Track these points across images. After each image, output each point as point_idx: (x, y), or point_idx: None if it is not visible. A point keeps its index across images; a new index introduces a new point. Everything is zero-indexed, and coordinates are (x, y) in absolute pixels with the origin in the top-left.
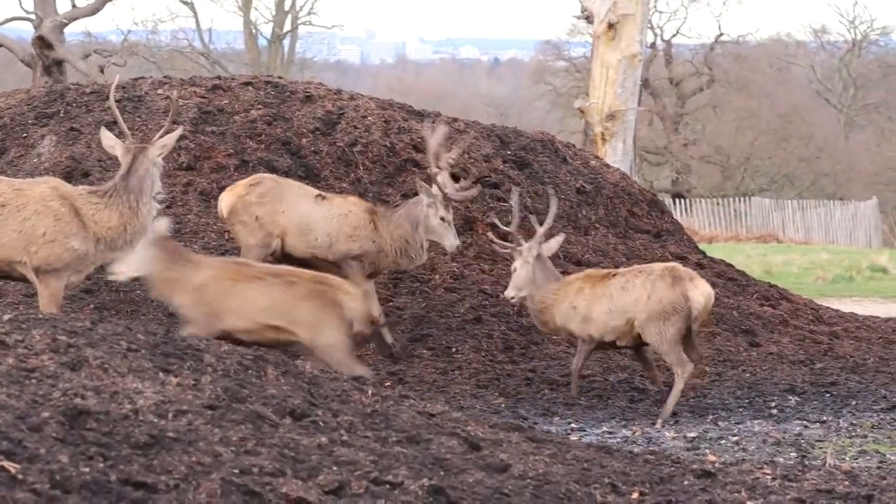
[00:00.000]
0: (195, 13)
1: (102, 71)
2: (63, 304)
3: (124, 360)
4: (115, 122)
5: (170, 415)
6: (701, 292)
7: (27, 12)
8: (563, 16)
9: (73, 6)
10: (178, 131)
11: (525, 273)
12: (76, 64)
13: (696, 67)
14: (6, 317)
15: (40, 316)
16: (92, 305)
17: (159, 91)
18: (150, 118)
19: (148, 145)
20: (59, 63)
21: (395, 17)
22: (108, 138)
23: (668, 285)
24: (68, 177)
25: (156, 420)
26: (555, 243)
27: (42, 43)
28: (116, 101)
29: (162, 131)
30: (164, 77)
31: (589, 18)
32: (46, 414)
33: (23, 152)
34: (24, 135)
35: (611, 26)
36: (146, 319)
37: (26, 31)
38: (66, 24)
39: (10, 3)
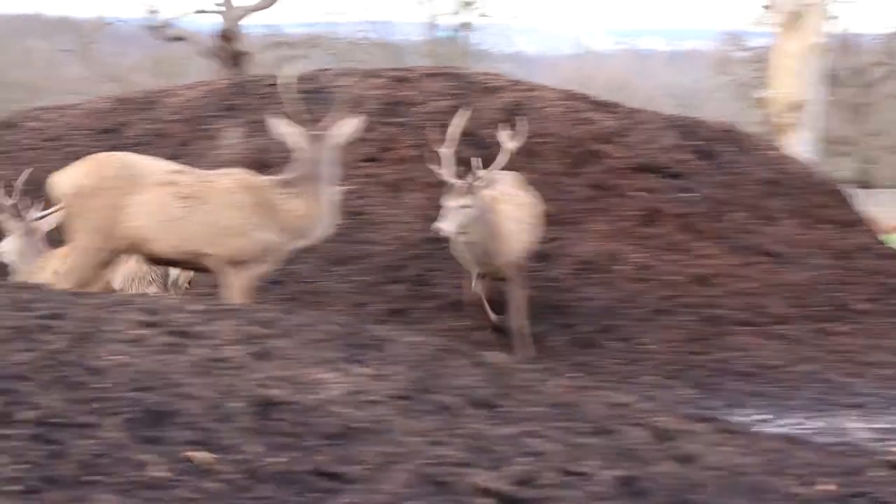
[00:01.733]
0: (375, 5)
1: (285, 63)
2: (252, 295)
3: (313, 350)
4: (293, 112)
5: (359, 405)
6: None
7: (212, 4)
8: (745, 6)
9: (260, 2)
10: (358, 120)
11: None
12: (258, 56)
13: (879, 56)
14: (196, 307)
15: (229, 307)
16: (280, 296)
17: (340, 82)
18: (330, 109)
19: (327, 133)
20: (241, 55)
21: (572, 6)
22: (283, 126)
23: None
24: (253, 167)
25: (345, 410)
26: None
27: (225, 35)
28: (299, 92)
29: (334, 116)
30: (346, 68)
31: (771, 8)
32: (236, 404)
33: (206, 144)
34: (207, 127)
35: (793, 16)
36: (333, 310)
37: (207, 23)
38: (249, 16)
39: None
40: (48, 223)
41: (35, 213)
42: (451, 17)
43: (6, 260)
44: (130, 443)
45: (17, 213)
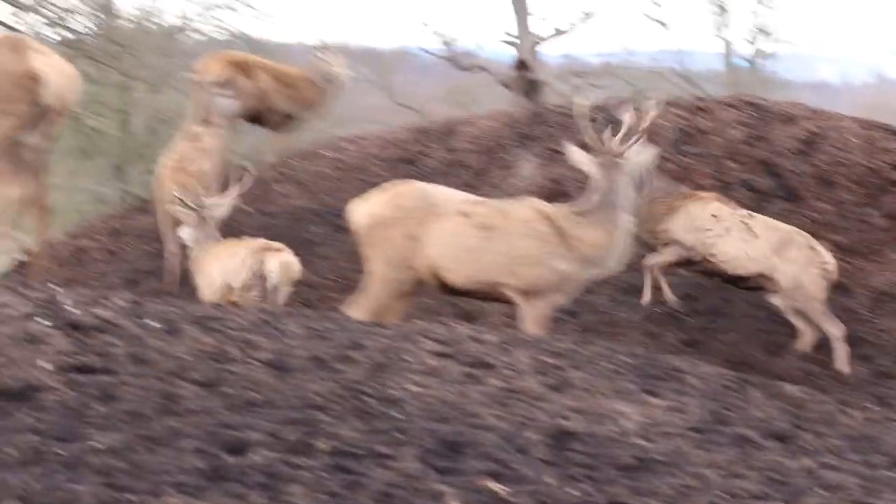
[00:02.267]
0: (670, 35)
1: (580, 92)
2: (547, 326)
3: (608, 381)
4: (588, 141)
5: (655, 437)
6: None
7: (507, 35)
8: None
9: (553, 29)
10: (651, 148)
11: None
12: (554, 85)
13: None
14: (491, 338)
15: (525, 337)
16: (575, 326)
17: (638, 112)
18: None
19: (621, 159)
20: (537, 85)
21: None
22: (577, 154)
23: None
24: (549, 197)
25: (641, 442)
26: None
27: (521, 65)
28: (593, 121)
29: (629, 143)
30: (644, 98)
31: None
32: (531, 435)
33: (503, 174)
34: (505, 156)
35: None
36: (628, 341)
37: (503, 53)
38: (545, 46)
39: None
40: (221, 211)
41: (210, 202)
42: (749, 45)
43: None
44: (426, 473)
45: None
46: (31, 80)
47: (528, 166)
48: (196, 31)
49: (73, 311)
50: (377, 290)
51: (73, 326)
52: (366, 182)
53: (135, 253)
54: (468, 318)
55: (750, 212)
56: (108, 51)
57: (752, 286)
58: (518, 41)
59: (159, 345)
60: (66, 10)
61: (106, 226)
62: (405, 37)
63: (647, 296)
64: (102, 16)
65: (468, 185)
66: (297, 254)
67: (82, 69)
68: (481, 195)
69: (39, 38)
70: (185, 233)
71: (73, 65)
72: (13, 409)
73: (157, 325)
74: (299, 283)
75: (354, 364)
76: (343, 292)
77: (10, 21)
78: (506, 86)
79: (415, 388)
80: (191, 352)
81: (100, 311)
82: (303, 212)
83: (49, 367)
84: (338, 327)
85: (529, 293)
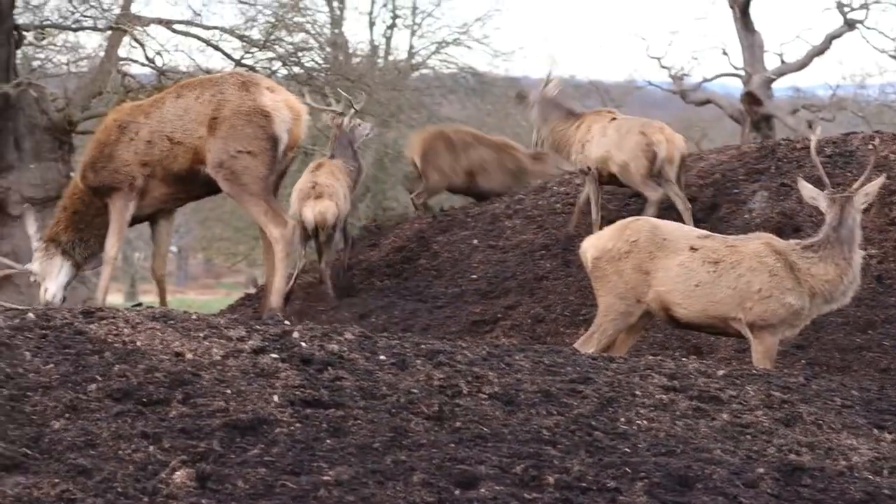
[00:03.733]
0: None
1: (811, 126)
2: (776, 360)
3: (838, 416)
4: (820, 176)
5: (884, 472)
6: None
7: (736, 68)
8: None
9: (782, 62)
10: (880, 180)
11: None
12: (784, 119)
13: None
14: (720, 372)
15: (754, 371)
16: (804, 360)
17: (869, 146)
18: (860, 173)
19: (852, 194)
20: (767, 119)
21: None
22: (808, 189)
23: None
24: (779, 232)
25: (870, 477)
26: None
27: (751, 99)
28: (826, 156)
29: (861, 179)
30: (875, 132)
31: None
32: (761, 469)
33: (734, 208)
34: (735, 191)
35: None
36: (858, 375)
37: (734, 87)
38: (774, 80)
39: (720, 60)
40: None
41: None
42: None
43: None
44: None
45: None
46: (262, 117)
47: (759, 201)
48: (425, 66)
49: (304, 345)
50: (607, 323)
51: (304, 361)
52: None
53: (364, 287)
54: (697, 352)
55: None
56: (338, 86)
57: None
58: (747, 74)
59: (389, 379)
60: (298, 47)
61: (336, 260)
62: (633, 69)
63: None
64: (333, 51)
65: (698, 219)
66: (527, 289)
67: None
68: (711, 229)
69: (270, 74)
70: None
71: (302, 100)
72: (244, 443)
73: (387, 360)
74: (529, 316)
75: (583, 398)
76: (572, 327)
77: (241, 56)
78: (735, 120)
79: (644, 423)
80: (420, 386)
81: (330, 346)
82: (533, 246)
83: (280, 401)
84: (567, 361)
85: (759, 327)
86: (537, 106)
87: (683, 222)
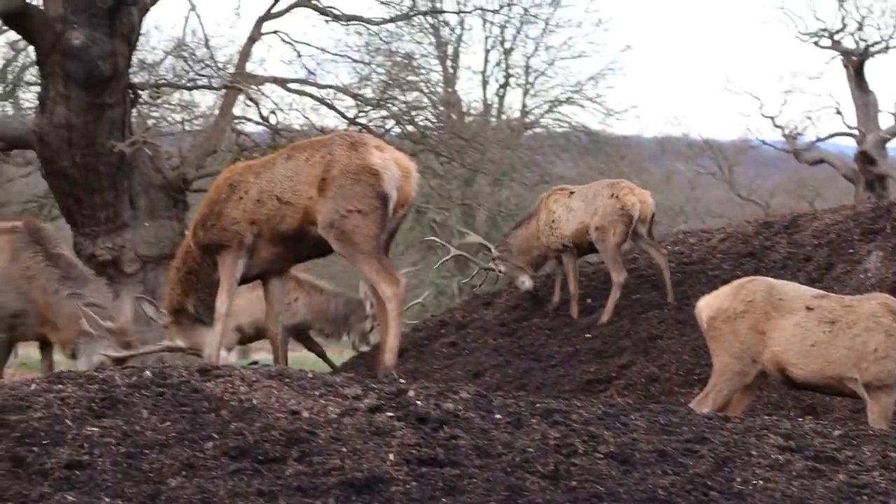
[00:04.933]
0: None
1: None
2: (892, 420)
3: None
4: None
5: None
6: None
7: (850, 127)
8: None
9: None
10: None
11: None
12: None
13: None
14: (836, 432)
15: (870, 432)
16: None
17: None
18: None
19: None
20: (881, 178)
21: None
22: None
23: None
24: (895, 292)
25: None
26: None
27: (865, 158)
28: None
29: None
30: None
31: None
32: None
33: (849, 268)
34: (850, 251)
35: None
36: None
37: (848, 146)
38: (889, 140)
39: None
40: None
41: None
42: None
43: None
44: None
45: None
46: (371, 175)
47: (873, 260)
48: (538, 124)
49: (420, 403)
50: (722, 383)
51: (420, 419)
52: (708, 276)
53: (478, 346)
54: (812, 411)
55: None
56: (451, 145)
57: None
58: (861, 134)
59: (504, 438)
60: (411, 105)
61: (449, 318)
62: (747, 128)
63: None
64: (446, 110)
65: (812, 279)
66: (641, 348)
67: (427, 164)
68: (826, 290)
69: (383, 132)
70: None
71: (414, 159)
72: (360, 501)
73: (503, 418)
74: (643, 375)
75: (699, 458)
76: (686, 386)
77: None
78: (849, 179)
79: (760, 483)
80: (536, 445)
81: (446, 405)
82: (645, 305)
83: (395, 459)
84: (682, 421)
85: (875, 387)
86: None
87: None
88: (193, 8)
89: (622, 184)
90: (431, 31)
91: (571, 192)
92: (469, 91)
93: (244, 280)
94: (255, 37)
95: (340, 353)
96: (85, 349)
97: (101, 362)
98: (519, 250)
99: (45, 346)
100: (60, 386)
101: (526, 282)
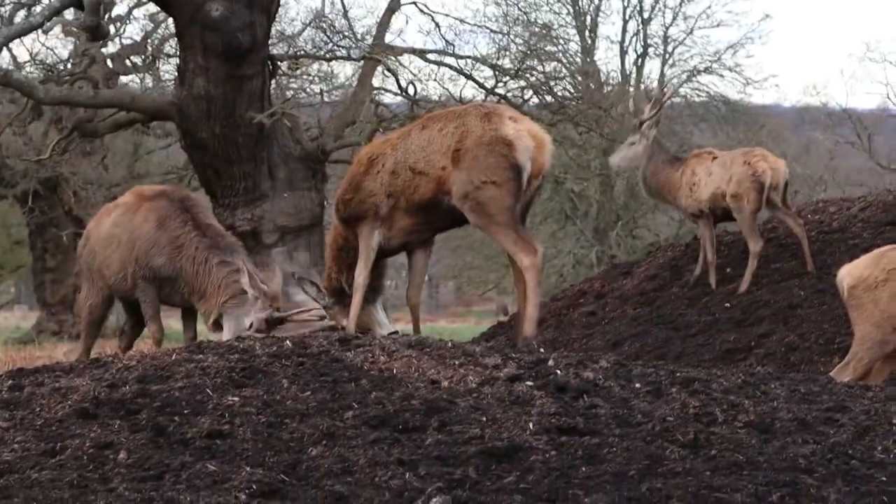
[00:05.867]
0: None
1: None
2: None
3: None
4: None
5: None
6: None
7: None
8: None
9: None
10: None
11: None
12: None
13: None
14: None
15: None
16: None
17: None
18: None
19: None
20: None
21: None
22: None
23: None
24: None
25: None
26: None
27: None
28: None
29: None
30: None
31: None
32: None
33: None
34: None
35: None
36: None
37: None
38: None
39: None
40: None
41: None
42: None
43: None
44: None
45: None
46: (505, 146)
47: None
48: (676, 94)
49: (559, 373)
50: (863, 352)
51: (559, 388)
52: (848, 244)
53: (617, 315)
54: None
55: None
56: (590, 115)
57: None
58: None
59: (644, 406)
60: (549, 76)
61: (588, 288)
62: (886, 97)
63: None
64: (584, 80)
65: None
66: (781, 317)
67: (565, 134)
68: None
69: (522, 103)
70: None
71: (552, 130)
72: (500, 470)
73: (642, 387)
74: (783, 344)
75: (839, 427)
76: (826, 355)
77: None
78: None
79: None
80: (675, 413)
81: (585, 374)
82: (785, 274)
83: (535, 428)
84: (823, 390)
85: None
86: (644, 143)
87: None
88: None
89: (756, 151)
90: (569, 0)
91: (714, 157)
92: (607, 61)
93: (387, 252)
94: (393, 7)
95: (478, 323)
96: (233, 313)
97: (251, 325)
98: (655, 183)
99: (188, 317)
100: (201, 356)
101: None
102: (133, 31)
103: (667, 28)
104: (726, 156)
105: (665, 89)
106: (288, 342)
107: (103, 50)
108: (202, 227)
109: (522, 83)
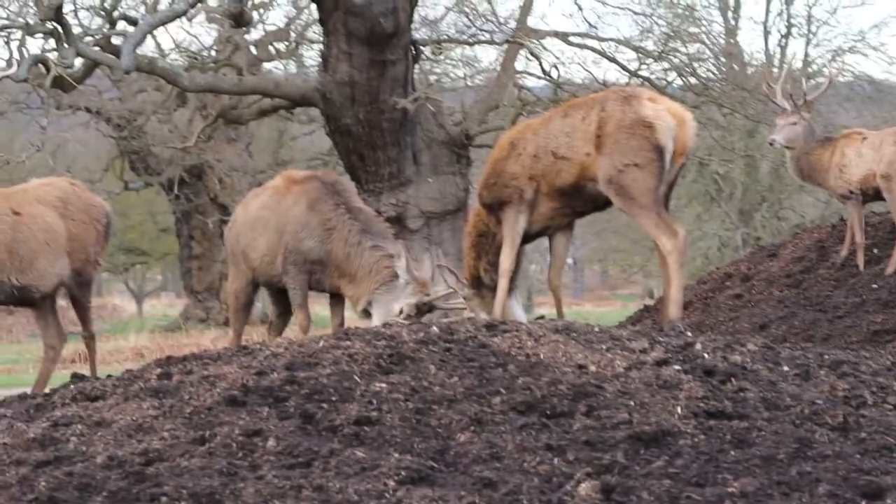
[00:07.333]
0: None
1: None
2: None
3: None
4: None
5: None
6: None
7: None
8: None
9: None
10: None
11: None
12: None
13: None
14: None
15: None
16: None
17: None
18: None
19: None
20: None
21: None
22: None
23: None
24: None
25: None
26: None
27: None
28: None
29: None
30: None
31: None
32: None
33: None
34: None
35: None
36: None
37: None
38: None
39: None
40: None
41: None
42: None
43: None
44: None
45: None
46: (645, 128)
47: None
48: (821, 74)
49: (707, 356)
50: None
51: (707, 372)
52: None
53: (763, 298)
54: None
55: None
56: (734, 96)
57: None
58: None
59: (792, 389)
60: (693, 57)
61: (734, 270)
62: None
63: None
64: (727, 62)
65: None
66: None
67: (709, 115)
68: None
69: (665, 85)
70: None
71: (696, 111)
72: (648, 455)
73: (790, 370)
74: None
75: None
76: None
77: (636, 68)
78: None
79: None
80: (824, 396)
81: (733, 357)
82: None
83: (683, 412)
84: None
85: None
86: (804, 124)
87: None
88: None
89: None
90: None
91: (864, 138)
92: (751, 42)
93: (528, 237)
94: None
95: (624, 307)
96: (383, 299)
97: (401, 311)
98: (806, 165)
99: (335, 303)
100: (348, 342)
101: None
102: (276, 18)
103: (810, 7)
104: (876, 136)
105: (831, 70)
106: (435, 328)
107: (247, 37)
108: (354, 210)
109: (666, 65)
